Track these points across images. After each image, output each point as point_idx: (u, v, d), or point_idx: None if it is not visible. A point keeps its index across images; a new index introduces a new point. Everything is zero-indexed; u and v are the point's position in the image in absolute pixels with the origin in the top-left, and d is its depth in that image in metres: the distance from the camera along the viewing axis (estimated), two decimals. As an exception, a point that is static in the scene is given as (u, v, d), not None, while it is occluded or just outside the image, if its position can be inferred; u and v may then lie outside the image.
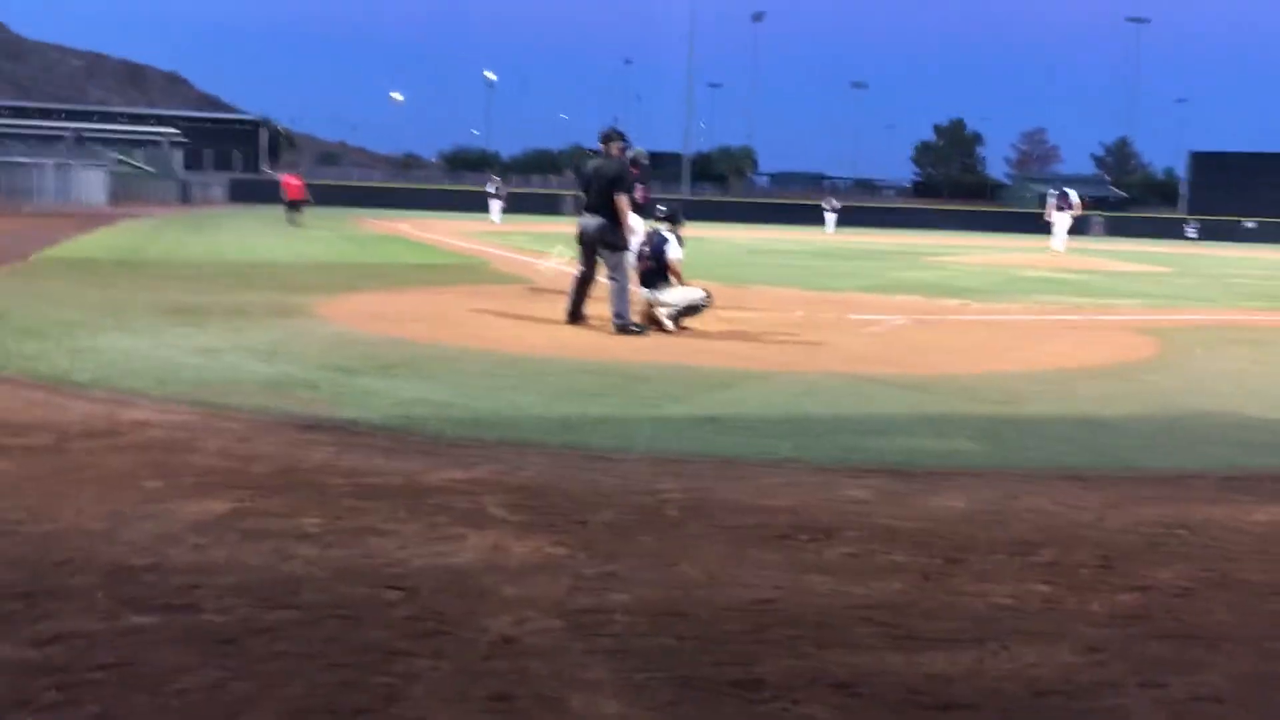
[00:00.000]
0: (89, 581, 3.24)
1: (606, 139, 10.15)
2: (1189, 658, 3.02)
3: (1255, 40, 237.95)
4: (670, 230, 10.27)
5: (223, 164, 72.82)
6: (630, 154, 11.02)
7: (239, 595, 3.17)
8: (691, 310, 9.98)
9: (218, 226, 30.80)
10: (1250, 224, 62.36)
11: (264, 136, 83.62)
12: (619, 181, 9.86)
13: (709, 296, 10.09)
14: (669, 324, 9.83)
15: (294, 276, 14.80)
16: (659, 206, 10.93)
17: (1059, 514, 4.46)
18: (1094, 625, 3.22)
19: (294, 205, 32.82)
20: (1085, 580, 3.62)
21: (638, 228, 10.77)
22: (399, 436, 5.45)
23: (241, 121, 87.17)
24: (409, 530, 3.85)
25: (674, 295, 9.91)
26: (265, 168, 76.79)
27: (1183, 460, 5.58)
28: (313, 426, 5.58)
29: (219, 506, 4.05)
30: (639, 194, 11.13)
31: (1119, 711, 2.69)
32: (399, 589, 3.27)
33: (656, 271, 9.95)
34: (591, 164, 10.22)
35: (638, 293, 9.99)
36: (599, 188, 9.88)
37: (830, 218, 51.35)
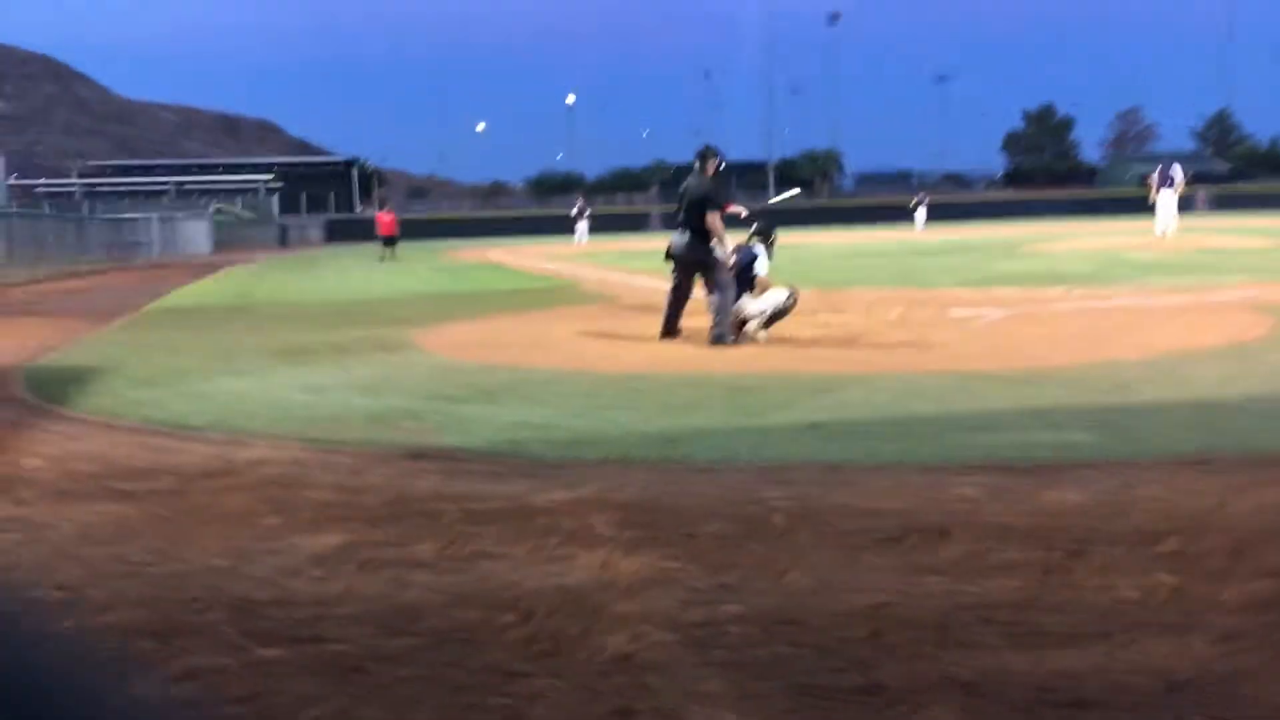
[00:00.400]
0: (217, 618, 3.34)
1: (703, 157, 10.24)
2: (1331, 644, 2.90)
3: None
4: (762, 244, 10.23)
5: (317, 206, 74.77)
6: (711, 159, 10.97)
7: (360, 624, 3.24)
8: (780, 314, 9.91)
9: (317, 267, 31.63)
10: (1363, 189, 59.64)
11: (355, 176, 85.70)
12: (707, 200, 9.92)
13: (793, 295, 10.00)
14: (760, 335, 9.79)
15: (392, 310, 15.11)
16: (749, 219, 10.81)
17: (1181, 502, 4.31)
18: (1227, 614, 3.11)
19: (388, 241, 33.54)
20: (1214, 568, 3.49)
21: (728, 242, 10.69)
22: (503, 460, 5.52)
23: (333, 163, 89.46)
24: (519, 552, 3.90)
25: (759, 304, 9.86)
26: (359, 206, 78.65)
27: (1310, 439, 5.36)
28: (419, 456, 5.68)
29: (335, 539, 4.15)
30: (736, 208, 11.15)
31: (1260, 700, 2.60)
32: (514, 611, 3.31)
33: (740, 284, 9.90)
34: (687, 181, 10.30)
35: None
36: (688, 205, 9.98)
37: (919, 214, 50.45)
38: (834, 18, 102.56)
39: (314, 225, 67.59)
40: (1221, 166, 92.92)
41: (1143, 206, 32.16)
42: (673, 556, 3.79)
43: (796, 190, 12.81)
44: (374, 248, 34.72)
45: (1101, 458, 5.14)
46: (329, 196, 77.33)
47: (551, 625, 3.20)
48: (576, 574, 3.65)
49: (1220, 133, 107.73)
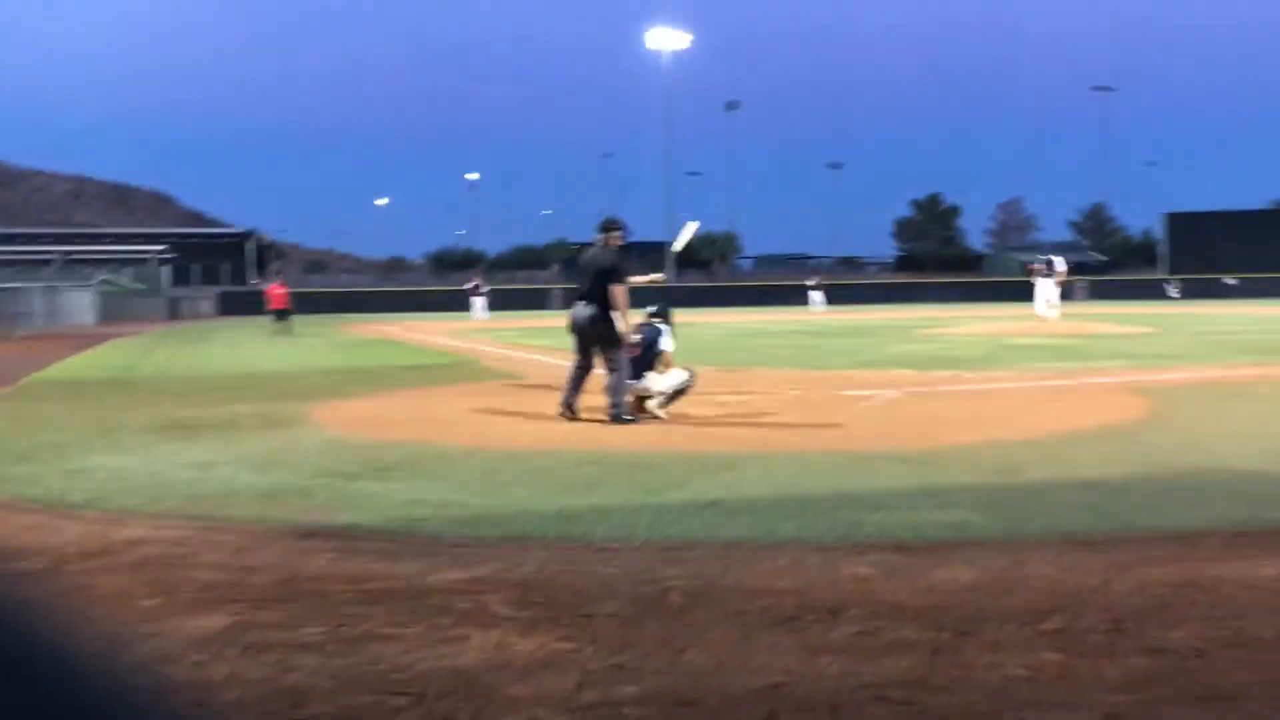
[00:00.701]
0: (89, 705, 3.18)
1: (605, 228, 10.14)
2: (1208, 718, 2.97)
3: (1219, 102, 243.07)
4: (662, 323, 10.32)
5: (211, 278, 73.40)
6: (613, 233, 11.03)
7: (243, 711, 3.12)
8: (680, 393, 10.00)
9: (208, 340, 30.90)
10: (1231, 280, 63.01)
11: (251, 248, 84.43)
12: (613, 271, 9.82)
13: (693, 376, 10.12)
14: (661, 413, 9.83)
15: (286, 385, 14.80)
16: (650, 308, 10.80)
17: (1066, 580, 4.42)
18: (1110, 691, 3.18)
19: (280, 315, 32.62)
20: (1098, 646, 3.58)
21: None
22: (398, 539, 5.41)
23: (228, 235, 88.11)
24: (412, 634, 3.81)
25: (662, 382, 9.92)
26: (254, 279, 77.34)
27: (1186, 519, 5.56)
28: (311, 534, 5.54)
29: (218, 621, 4.00)
30: (639, 277, 11.09)
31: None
32: (405, 694, 3.22)
33: (644, 361, 9.95)
34: (587, 254, 10.23)
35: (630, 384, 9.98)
36: (592, 276, 9.88)
37: (816, 296, 51.68)
38: (732, 105, 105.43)
39: (206, 297, 66.20)
40: (1097, 257, 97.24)
41: (1025, 293, 33.41)
42: (569, 637, 3.74)
43: (696, 224, 12.77)
44: (267, 321, 34.02)
45: (991, 537, 5.26)
46: (223, 269, 75.95)
47: (443, 709, 3.12)
48: (470, 655, 3.57)
49: (1095, 224, 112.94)
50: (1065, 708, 3.06)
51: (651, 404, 9.88)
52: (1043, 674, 3.33)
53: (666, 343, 10.08)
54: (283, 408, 11.52)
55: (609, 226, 10.14)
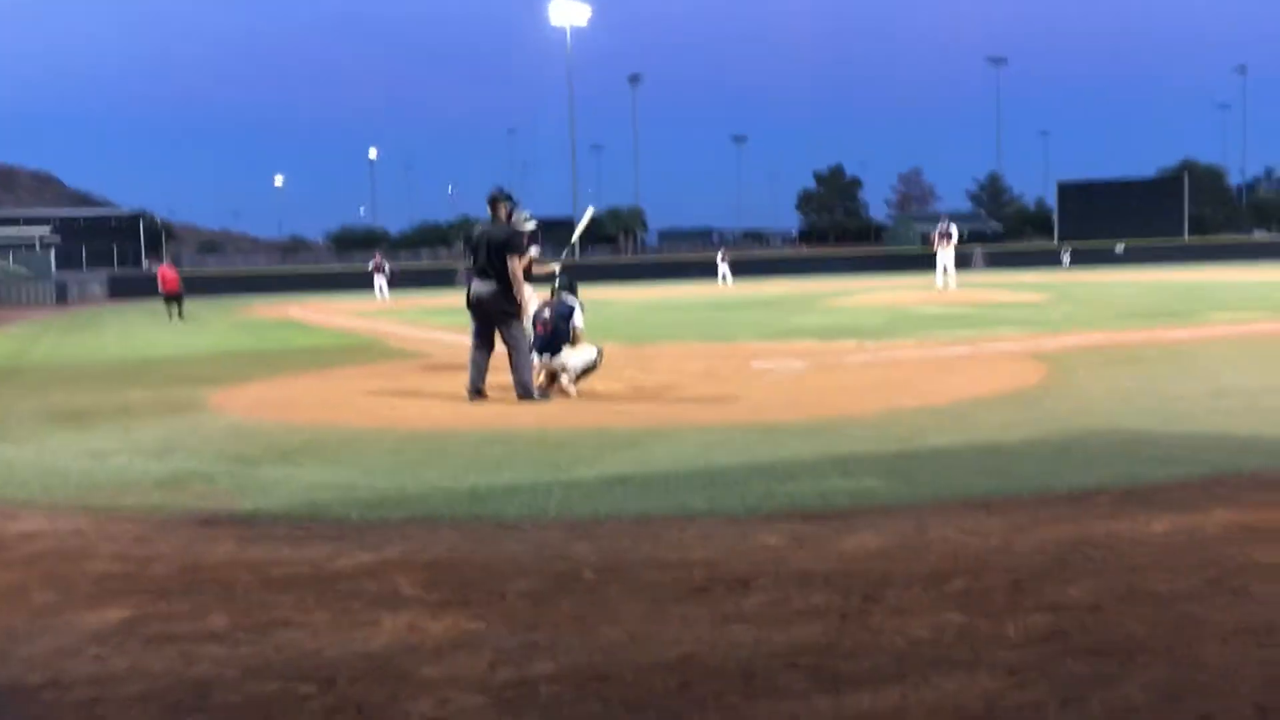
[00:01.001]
0: (-19, 706, 3.07)
1: (494, 201, 9.89)
2: (1105, 672, 3.09)
3: (1108, 70, 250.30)
4: (571, 297, 10.27)
5: (100, 261, 70.97)
6: (517, 221, 10.99)
7: (144, 704, 3.04)
8: (589, 370, 10.00)
9: (99, 325, 29.93)
10: (1119, 248, 65.12)
11: (142, 230, 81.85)
12: (510, 244, 9.67)
13: (600, 353, 10.13)
14: (572, 389, 9.82)
15: (183, 370, 14.42)
16: (558, 275, 10.77)
17: (968, 542, 4.54)
18: (1010, 648, 3.28)
19: (171, 298, 31.64)
20: (998, 605, 3.68)
21: (530, 294, 10.70)
22: (304, 524, 5.32)
23: (117, 217, 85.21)
24: (320, 620, 3.75)
25: (574, 358, 9.90)
26: (145, 262, 74.98)
27: (1080, 479, 5.75)
28: (212, 522, 5.42)
29: (118, 614, 3.89)
30: (535, 251, 11.04)
31: (1044, 731, 2.73)
32: (314, 681, 3.18)
33: (560, 336, 9.89)
34: (479, 228, 9.95)
35: (535, 359, 9.94)
36: (488, 252, 9.65)
37: (724, 269, 52.05)
38: (634, 78, 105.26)
39: (96, 281, 64.04)
40: (994, 226, 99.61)
41: (925, 263, 34.16)
42: (481, 616, 3.73)
43: (591, 209, 12.73)
44: (159, 304, 33.06)
45: (896, 503, 5.37)
46: (113, 251, 73.51)
47: (354, 693, 3.08)
48: (381, 639, 3.53)
49: (992, 194, 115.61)
50: (968, 666, 3.15)
51: (563, 380, 9.86)
52: (946, 634, 3.42)
53: (579, 318, 10.05)
54: (180, 393, 11.22)
55: (496, 199, 9.88)
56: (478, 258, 9.75)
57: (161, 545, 4.98)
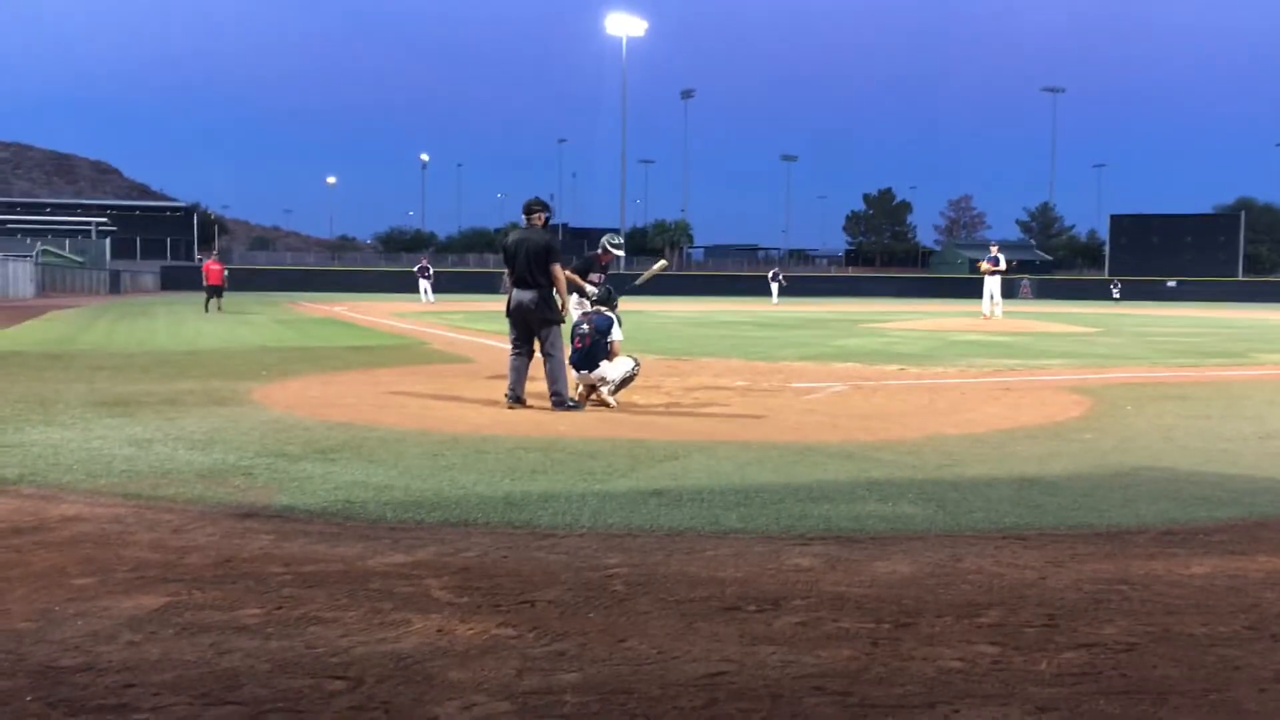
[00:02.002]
0: (17, 685, 3.12)
1: (529, 210, 9.90)
2: (1136, 713, 3.04)
3: (1166, 105, 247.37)
4: (610, 311, 10.31)
5: (154, 252, 72.11)
6: (604, 241, 11.25)
7: (175, 693, 3.07)
8: (627, 381, 10.03)
9: (150, 315, 30.38)
10: (1171, 283, 64.27)
11: (195, 223, 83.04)
12: (551, 251, 9.70)
13: (638, 365, 10.16)
14: (611, 400, 9.84)
15: (229, 363, 14.60)
16: (593, 288, 10.84)
17: (1003, 574, 4.49)
18: (1042, 685, 3.24)
19: (214, 291, 32.59)
20: (1031, 640, 3.64)
21: (574, 304, 10.77)
22: (339, 522, 5.37)
23: (172, 209, 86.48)
24: (351, 618, 3.78)
25: (612, 370, 9.94)
26: (198, 254, 76.04)
27: (1120, 516, 5.67)
28: (250, 515, 5.47)
29: (153, 601, 3.94)
30: (596, 277, 11.12)
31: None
32: (342, 679, 3.20)
33: (598, 350, 9.93)
34: (513, 235, 9.91)
35: (572, 372, 9.98)
36: (525, 259, 9.65)
37: (775, 288, 52.11)
38: (687, 93, 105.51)
39: (149, 271, 65.11)
40: (1043, 256, 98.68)
41: (971, 289, 33.88)
42: (510, 623, 3.74)
43: (664, 264, 12.74)
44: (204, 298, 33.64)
45: (930, 530, 5.32)
46: (166, 243, 74.61)
47: (381, 693, 3.10)
48: (410, 640, 3.55)
49: (1043, 223, 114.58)
50: (998, 700, 3.11)
51: (603, 391, 9.89)
52: (978, 666, 3.38)
53: (617, 332, 10.09)
54: (225, 386, 11.37)
55: (533, 208, 9.89)
56: (515, 265, 9.76)
57: (199, 536, 5.04)
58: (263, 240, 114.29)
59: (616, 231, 11.22)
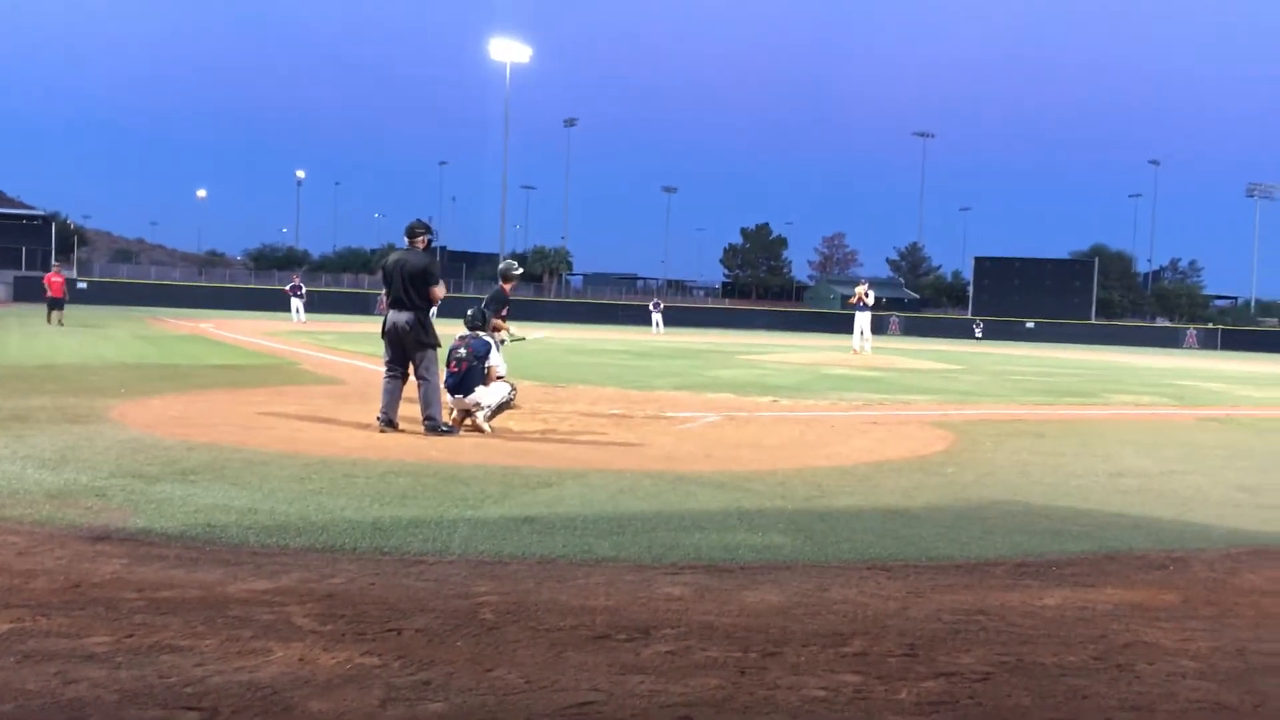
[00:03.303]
0: None
1: (412, 232, 9.82)
2: (992, 740, 3.13)
3: (1030, 155, 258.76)
4: (488, 336, 10.27)
5: (7, 262, 68.72)
6: (501, 266, 11.54)
7: (15, 725, 2.91)
8: (503, 408, 9.97)
9: (1, 327, 28.96)
10: (1029, 324, 66.94)
11: (53, 233, 79.59)
12: (429, 273, 9.62)
13: (514, 390, 10.11)
14: (486, 426, 9.76)
15: (85, 379, 14.00)
16: (469, 313, 10.87)
17: (867, 604, 4.59)
18: (902, 714, 3.31)
19: (55, 304, 31.76)
20: (893, 669, 3.72)
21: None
22: (198, 546, 5.18)
23: (29, 217, 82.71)
24: (207, 646, 3.65)
25: (488, 396, 9.86)
26: (54, 265, 72.85)
27: (979, 548, 5.86)
28: (102, 538, 5.25)
29: (-6, 628, 3.73)
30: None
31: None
32: (196, 709, 3.08)
33: (474, 375, 9.84)
34: (393, 256, 9.82)
35: (447, 396, 9.87)
36: (403, 280, 9.55)
37: (657, 318, 52.68)
38: (570, 122, 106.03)
39: (1, 282, 62.10)
40: (911, 295, 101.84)
41: (843, 324, 34.76)
42: (375, 652, 3.66)
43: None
44: (66, 310, 32.35)
45: (799, 560, 5.41)
46: (21, 252, 71.32)
47: (238, 725, 2.99)
48: (270, 669, 3.45)
49: (912, 264, 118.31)
50: (860, 728, 3.17)
51: (479, 416, 9.79)
52: (841, 695, 3.44)
53: (495, 357, 10.03)
54: (80, 402, 10.90)
55: (416, 230, 9.83)
56: (392, 286, 9.66)
57: (46, 559, 4.81)
58: (126, 253, 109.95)
59: (508, 258, 11.54)
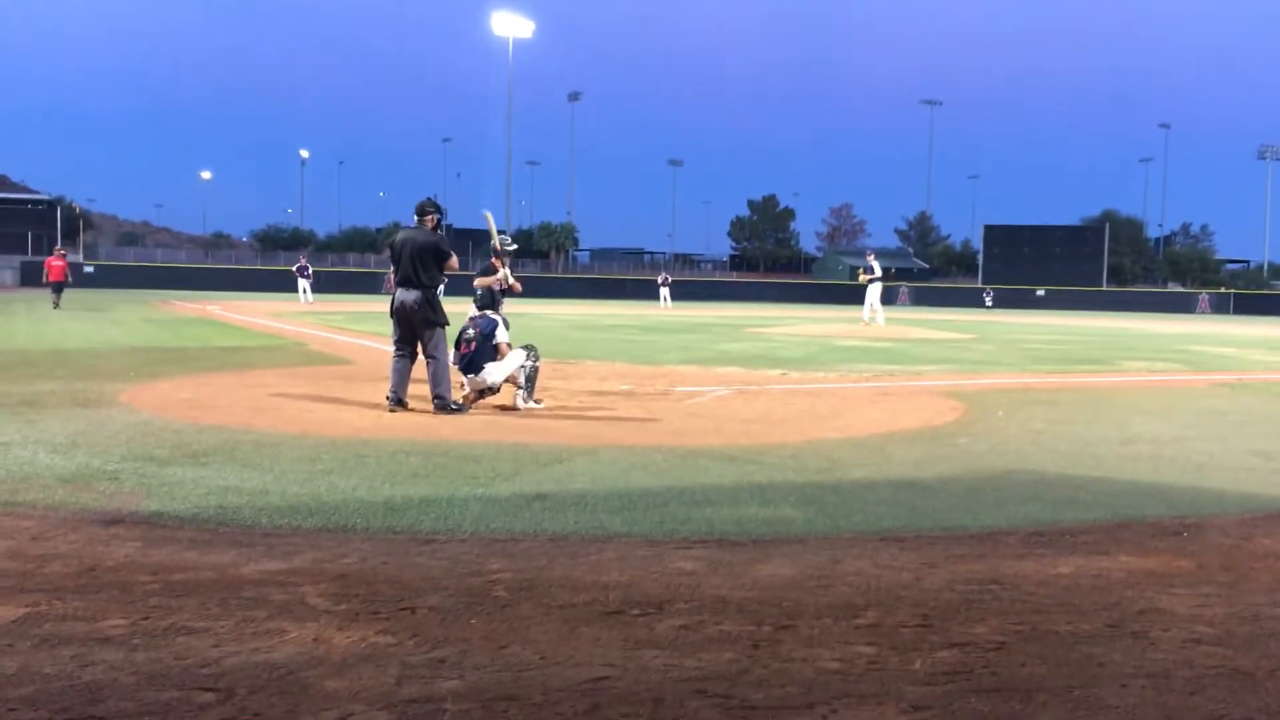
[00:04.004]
0: None
1: (421, 211, 9.82)
2: (1006, 710, 3.13)
3: (1038, 121, 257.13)
4: (494, 314, 10.25)
5: (13, 246, 68.85)
6: (492, 243, 11.15)
7: (34, 708, 2.93)
8: (531, 380, 9.96)
9: (9, 312, 29.04)
10: (1040, 292, 66.74)
11: (59, 217, 79.67)
12: (438, 250, 9.64)
13: (531, 351, 10.05)
14: (531, 404, 9.83)
15: (95, 363, 14.04)
16: (478, 294, 10.88)
17: (880, 575, 4.59)
18: (917, 684, 3.31)
19: (57, 287, 31.93)
20: (907, 640, 3.72)
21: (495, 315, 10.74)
22: (211, 528, 5.20)
23: (33, 201, 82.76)
24: (222, 627, 3.66)
25: (496, 372, 9.80)
26: (59, 249, 72.97)
27: (992, 518, 5.85)
28: (115, 521, 5.26)
29: (10, 612, 3.75)
30: (495, 280, 11.01)
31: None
32: (212, 690, 3.09)
33: (483, 354, 9.83)
34: (401, 235, 9.84)
35: (458, 376, 9.88)
36: (410, 258, 9.55)
37: (664, 292, 52.61)
38: (574, 96, 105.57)
39: (8, 267, 62.30)
40: (921, 264, 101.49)
41: (853, 295, 34.65)
42: (389, 631, 3.67)
43: (488, 213, 12.69)
44: (73, 294, 32.52)
45: (811, 533, 5.41)
46: (28, 237, 71.42)
47: (254, 704, 3.01)
48: (285, 649, 3.46)
49: (920, 232, 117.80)
50: (874, 699, 3.17)
51: (517, 400, 9.82)
52: (855, 667, 3.44)
53: (502, 334, 10.00)
54: (91, 387, 10.92)
55: (425, 209, 9.83)
56: (400, 265, 9.65)
57: (60, 543, 4.83)
58: (132, 236, 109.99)
59: (502, 232, 11.18)
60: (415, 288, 9.59)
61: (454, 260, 9.82)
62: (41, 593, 4.02)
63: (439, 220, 9.95)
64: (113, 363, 14.09)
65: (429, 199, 9.96)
